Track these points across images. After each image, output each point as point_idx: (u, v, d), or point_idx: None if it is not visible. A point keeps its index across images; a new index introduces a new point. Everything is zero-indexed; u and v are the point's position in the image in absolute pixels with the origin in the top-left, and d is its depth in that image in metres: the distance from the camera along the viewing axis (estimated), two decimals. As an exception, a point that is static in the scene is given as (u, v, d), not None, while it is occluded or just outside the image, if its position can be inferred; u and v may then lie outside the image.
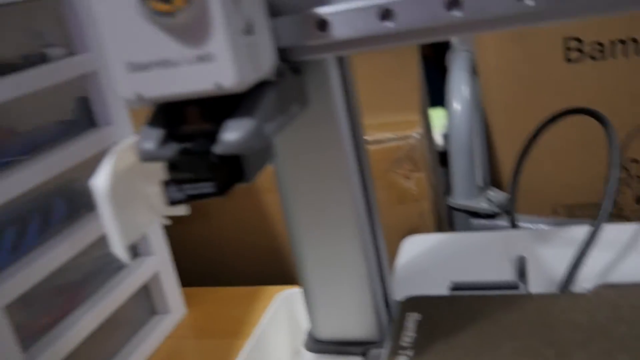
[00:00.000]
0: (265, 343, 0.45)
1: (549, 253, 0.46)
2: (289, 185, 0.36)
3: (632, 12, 0.24)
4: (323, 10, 0.26)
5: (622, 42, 0.63)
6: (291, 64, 0.28)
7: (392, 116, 0.64)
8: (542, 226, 0.64)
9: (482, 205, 0.68)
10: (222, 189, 0.25)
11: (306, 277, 0.38)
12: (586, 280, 0.40)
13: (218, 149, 0.24)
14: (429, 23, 0.25)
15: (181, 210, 0.30)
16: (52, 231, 0.47)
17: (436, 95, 0.75)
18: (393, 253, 0.49)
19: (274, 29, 0.26)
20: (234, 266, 0.71)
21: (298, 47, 0.27)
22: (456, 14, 0.25)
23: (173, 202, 0.26)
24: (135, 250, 0.56)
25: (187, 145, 0.25)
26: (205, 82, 0.24)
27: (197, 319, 0.60)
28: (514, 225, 0.54)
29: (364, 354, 0.38)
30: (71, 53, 0.49)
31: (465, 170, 0.69)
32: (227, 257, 0.71)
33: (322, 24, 0.26)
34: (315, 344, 0.40)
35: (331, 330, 0.39)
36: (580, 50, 0.64)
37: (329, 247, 0.36)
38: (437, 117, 0.79)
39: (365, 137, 0.36)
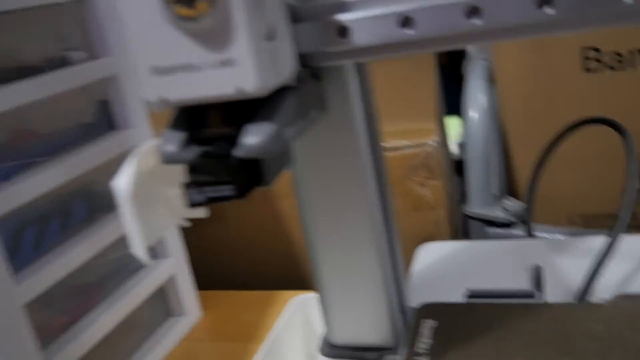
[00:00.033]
0: (280, 347, 0.45)
1: (565, 263, 0.45)
2: (306, 191, 0.36)
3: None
4: (343, 17, 0.27)
5: (641, 52, 0.62)
6: (311, 70, 0.29)
7: (408, 123, 0.65)
8: (558, 236, 0.64)
9: (498, 214, 0.68)
10: (242, 192, 0.26)
11: (322, 282, 0.38)
12: (603, 291, 0.40)
13: (238, 152, 0.24)
14: (449, 31, 0.26)
15: (200, 212, 0.30)
16: (71, 232, 0.48)
17: (451, 104, 0.75)
18: (408, 260, 0.49)
19: (295, 35, 0.27)
20: (249, 270, 0.71)
21: (318, 53, 0.28)
22: (476, 22, 0.25)
23: (193, 204, 0.26)
24: (152, 253, 0.57)
25: (208, 148, 0.26)
26: (227, 87, 0.24)
27: (212, 322, 0.61)
28: (530, 235, 0.54)
29: (378, 360, 0.38)
30: (92, 57, 0.50)
31: (481, 179, 0.69)
32: (243, 261, 0.71)
33: (343, 31, 0.27)
34: (331, 348, 0.40)
35: (346, 336, 0.39)
36: (598, 60, 0.64)
37: (346, 252, 0.37)
38: (452, 126, 0.79)
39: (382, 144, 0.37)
